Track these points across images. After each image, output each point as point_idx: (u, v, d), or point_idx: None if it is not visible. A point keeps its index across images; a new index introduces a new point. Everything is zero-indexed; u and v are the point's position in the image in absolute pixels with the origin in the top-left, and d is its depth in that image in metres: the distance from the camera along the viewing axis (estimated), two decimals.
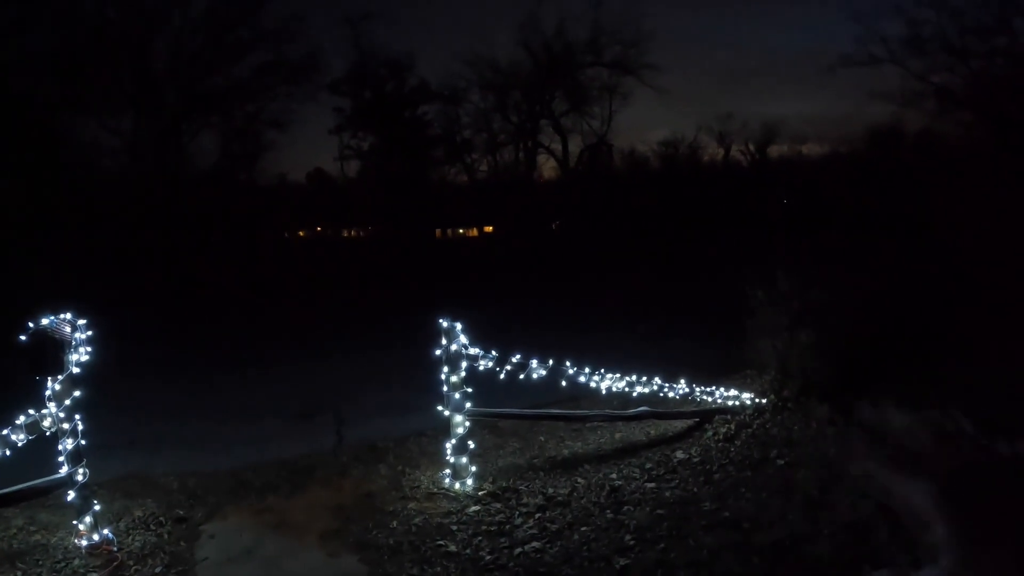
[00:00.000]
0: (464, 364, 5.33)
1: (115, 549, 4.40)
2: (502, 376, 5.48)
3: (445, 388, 5.35)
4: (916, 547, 3.66)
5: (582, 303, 15.31)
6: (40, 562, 4.31)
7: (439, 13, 58.49)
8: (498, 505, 4.93)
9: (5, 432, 4.24)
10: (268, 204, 30.21)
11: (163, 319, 14.60)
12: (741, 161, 41.65)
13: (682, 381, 6.50)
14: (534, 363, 5.57)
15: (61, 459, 4.44)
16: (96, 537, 4.45)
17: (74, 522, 4.50)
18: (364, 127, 33.62)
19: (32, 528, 4.81)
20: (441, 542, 4.41)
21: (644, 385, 6.20)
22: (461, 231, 41.71)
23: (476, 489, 5.20)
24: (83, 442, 4.52)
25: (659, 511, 4.58)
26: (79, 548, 4.41)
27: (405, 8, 64.55)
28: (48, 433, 4.41)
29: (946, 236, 12.58)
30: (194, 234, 23.73)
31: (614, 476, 5.34)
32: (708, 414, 6.50)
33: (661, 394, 6.39)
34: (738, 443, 5.73)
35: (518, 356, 5.52)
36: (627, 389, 6.17)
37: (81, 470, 4.48)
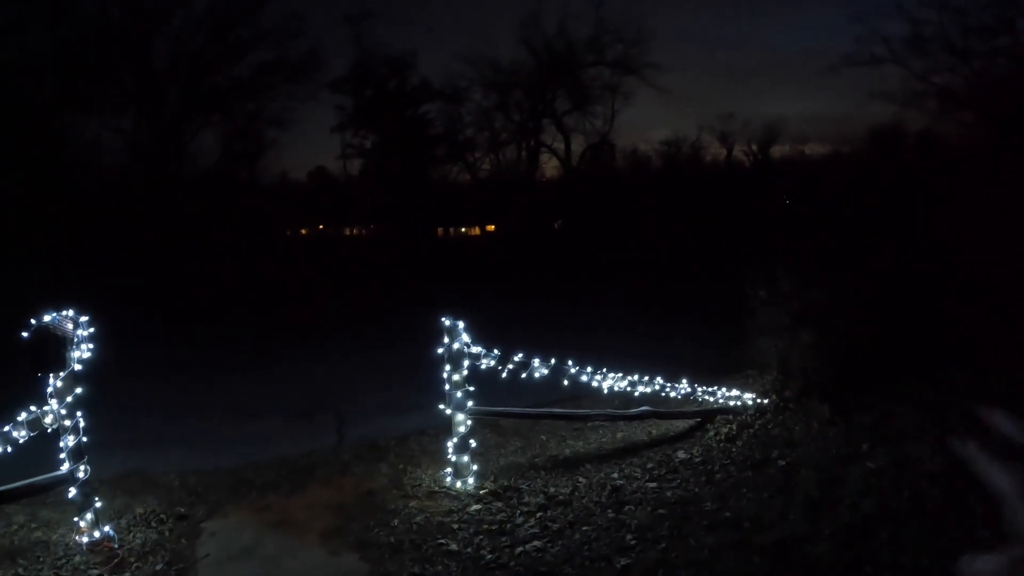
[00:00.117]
0: (466, 363, 5.33)
1: (116, 546, 4.40)
2: (504, 375, 5.48)
3: (447, 386, 5.34)
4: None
5: (584, 302, 15.30)
6: (41, 559, 4.31)
7: (440, 12, 58.65)
8: (499, 504, 4.93)
9: (7, 429, 4.24)
10: (269, 203, 30.24)
11: (164, 318, 14.62)
12: (744, 161, 41.71)
13: (684, 381, 6.49)
14: (536, 362, 5.57)
15: (62, 456, 4.44)
16: (97, 534, 4.45)
17: (75, 519, 4.50)
18: (366, 125, 33.70)
19: (33, 525, 4.81)
20: (442, 541, 4.40)
21: (646, 385, 6.20)
22: (463, 230, 41.74)
23: (477, 488, 5.20)
24: (84, 439, 4.52)
25: (660, 511, 4.57)
26: (80, 545, 4.41)
27: (406, 7, 64.62)
28: (50, 430, 4.41)
29: (947, 236, 12.57)
30: (195, 233, 23.76)
31: (615, 475, 5.33)
32: (710, 414, 6.49)
33: (663, 394, 6.38)
34: (739, 443, 5.72)
35: (520, 355, 5.52)
36: (629, 389, 6.17)
37: (82, 467, 4.47)
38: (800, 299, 6.48)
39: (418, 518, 4.75)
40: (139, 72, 24.45)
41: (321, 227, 38.79)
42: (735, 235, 24.86)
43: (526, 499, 4.97)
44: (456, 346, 5.27)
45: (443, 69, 53.89)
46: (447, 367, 5.32)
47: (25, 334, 4.27)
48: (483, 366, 5.41)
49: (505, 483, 5.26)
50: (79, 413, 4.48)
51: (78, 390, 4.47)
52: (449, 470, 5.37)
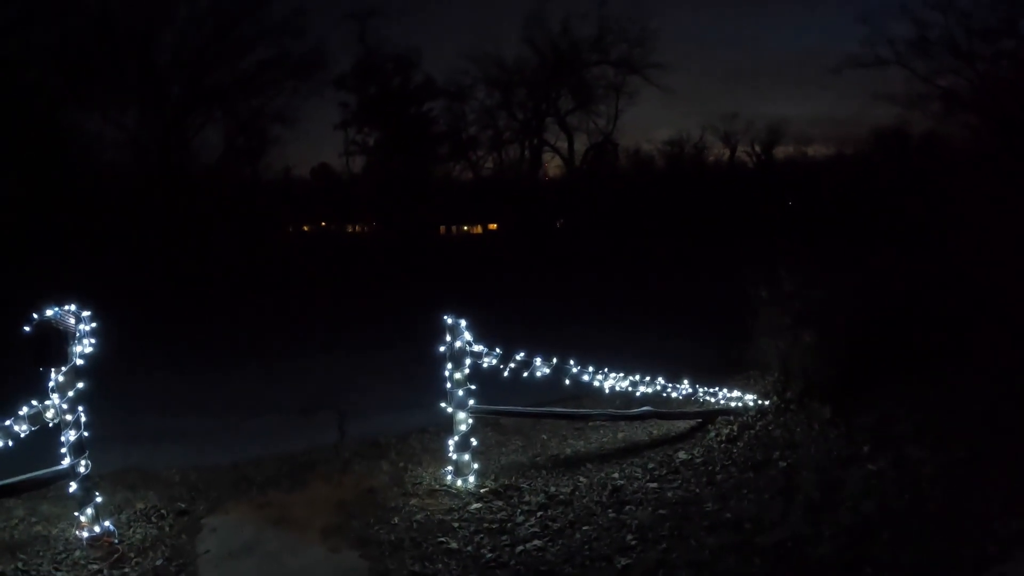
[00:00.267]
0: (468, 361, 5.32)
1: (116, 541, 4.40)
2: (505, 374, 5.47)
3: (449, 384, 5.34)
4: None
5: (585, 301, 15.30)
6: (41, 553, 4.31)
7: (445, 10, 58.75)
8: (500, 503, 4.93)
9: (8, 423, 4.24)
10: (272, 199, 30.26)
11: (166, 313, 14.63)
12: (747, 162, 41.69)
13: (685, 381, 6.49)
14: (537, 361, 5.56)
15: (63, 451, 4.44)
16: (97, 529, 4.46)
17: (75, 514, 4.50)
18: (369, 123, 33.67)
19: (33, 519, 4.81)
20: (442, 539, 4.40)
21: (647, 385, 6.20)
22: (465, 228, 41.77)
23: (478, 486, 5.20)
24: (85, 434, 4.52)
25: (661, 511, 4.57)
26: (80, 540, 4.41)
27: (411, 5, 64.71)
28: (51, 424, 4.41)
29: (950, 238, 12.53)
30: (198, 229, 23.77)
31: (616, 475, 5.33)
32: (711, 415, 6.48)
33: (664, 394, 6.38)
34: (740, 444, 5.71)
35: (521, 354, 5.51)
36: (630, 389, 6.16)
37: (83, 462, 4.48)
38: (801, 299, 6.47)
39: (419, 516, 4.75)
40: (142, 68, 24.43)
41: (323, 224, 38.82)
42: (738, 236, 24.84)
43: (527, 498, 4.97)
44: (458, 344, 5.27)
45: (447, 67, 53.87)
46: (449, 365, 5.31)
47: (27, 328, 4.27)
48: (485, 365, 5.41)
49: (506, 482, 5.26)
50: (80, 408, 4.48)
51: (79, 385, 4.46)
52: (450, 468, 5.36)
